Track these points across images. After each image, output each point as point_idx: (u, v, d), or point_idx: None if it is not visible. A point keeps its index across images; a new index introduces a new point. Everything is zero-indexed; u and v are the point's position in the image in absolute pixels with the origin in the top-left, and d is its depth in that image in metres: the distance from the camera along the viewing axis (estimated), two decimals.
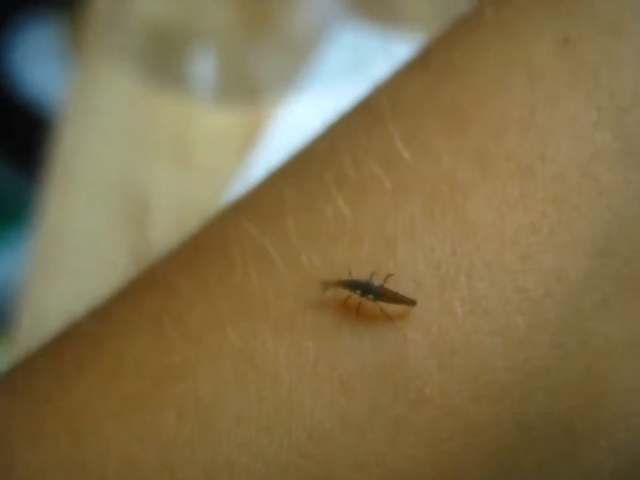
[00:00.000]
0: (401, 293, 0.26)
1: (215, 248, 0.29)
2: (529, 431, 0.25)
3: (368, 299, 0.26)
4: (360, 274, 0.26)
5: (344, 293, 0.26)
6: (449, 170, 0.26)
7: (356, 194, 0.27)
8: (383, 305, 0.26)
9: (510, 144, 0.26)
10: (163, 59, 0.60)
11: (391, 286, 0.26)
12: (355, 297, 0.26)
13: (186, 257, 0.30)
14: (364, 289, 0.26)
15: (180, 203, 0.56)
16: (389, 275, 0.26)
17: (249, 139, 0.57)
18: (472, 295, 0.25)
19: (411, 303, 0.25)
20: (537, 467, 0.26)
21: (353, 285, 0.26)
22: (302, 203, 0.27)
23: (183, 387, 0.27)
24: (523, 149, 0.26)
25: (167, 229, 0.54)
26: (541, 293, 0.25)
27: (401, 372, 0.25)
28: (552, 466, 0.26)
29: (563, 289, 0.25)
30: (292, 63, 0.60)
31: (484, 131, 0.26)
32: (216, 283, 0.28)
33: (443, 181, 0.26)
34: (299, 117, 0.58)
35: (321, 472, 0.25)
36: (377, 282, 0.26)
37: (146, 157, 0.58)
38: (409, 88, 0.28)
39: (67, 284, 0.50)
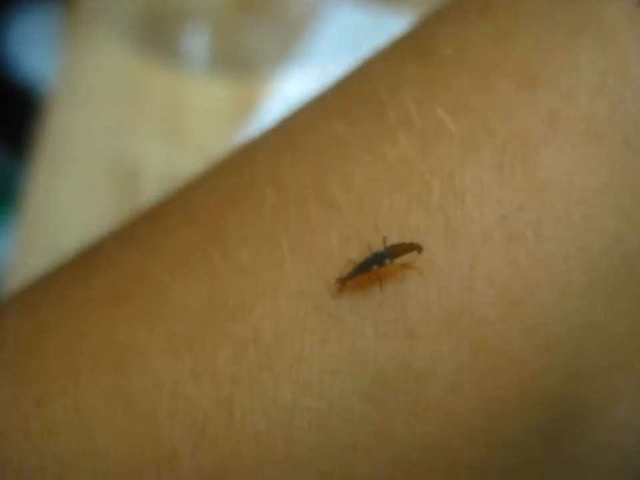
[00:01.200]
0: (403, 241, 0.26)
1: (265, 182, 0.28)
2: (578, 383, 0.26)
3: (386, 265, 0.26)
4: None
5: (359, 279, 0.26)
6: (519, 125, 0.26)
7: (422, 140, 0.27)
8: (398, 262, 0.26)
9: (580, 106, 0.26)
10: (156, 33, 0.59)
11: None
12: (375, 272, 0.26)
13: (229, 191, 0.29)
14: (377, 261, 0.26)
15: (170, 176, 0.55)
16: (385, 238, 0.26)
17: (240, 113, 0.57)
18: (536, 249, 0.26)
19: (417, 247, 0.26)
20: (585, 418, 0.27)
21: (365, 267, 0.26)
22: (363, 144, 0.27)
23: (240, 326, 0.26)
24: (592, 112, 0.26)
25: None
26: (600, 252, 0.26)
27: (465, 320, 0.25)
28: (595, 418, 0.27)
29: (621, 250, 0.26)
30: (285, 39, 0.60)
31: (555, 91, 0.26)
32: (271, 220, 0.27)
33: (514, 136, 0.26)
34: (292, 93, 0.57)
35: (382, 417, 0.25)
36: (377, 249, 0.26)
37: (137, 131, 0.57)
38: (473, 38, 0.28)
39: (55, 259, 0.49)
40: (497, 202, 0.26)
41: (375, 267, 0.26)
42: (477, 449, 0.26)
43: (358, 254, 0.26)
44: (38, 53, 0.69)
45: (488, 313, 0.25)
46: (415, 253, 0.26)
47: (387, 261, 0.26)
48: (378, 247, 0.26)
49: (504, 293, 0.25)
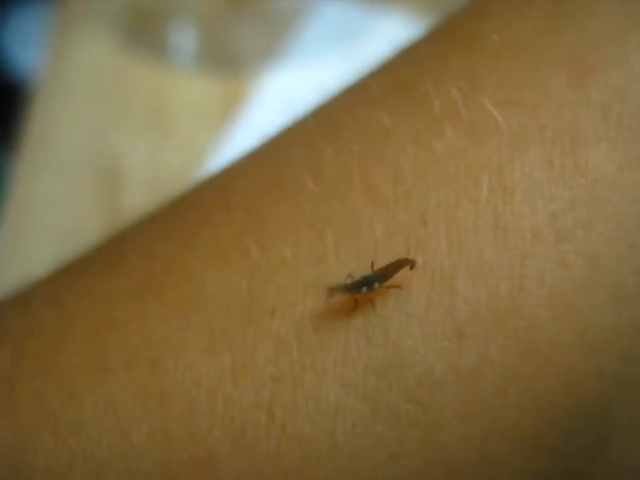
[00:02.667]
0: (395, 260, 0.25)
1: (305, 172, 0.27)
2: (626, 387, 0.26)
3: (375, 289, 0.25)
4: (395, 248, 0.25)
5: (349, 297, 0.25)
6: (570, 120, 0.25)
7: (469, 133, 0.26)
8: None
9: (633, 103, 0.26)
10: (143, 29, 0.59)
11: None
12: (363, 296, 0.25)
13: (266, 180, 0.28)
14: (367, 283, 0.25)
15: (154, 171, 0.54)
16: (373, 262, 0.25)
17: (226, 110, 0.56)
18: (587, 249, 0.25)
19: (406, 263, 0.25)
20: (630, 424, 0.26)
21: (354, 287, 0.25)
22: (409, 135, 0.26)
23: (281, 323, 0.25)
24: None
25: (141, 197, 0.53)
26: None
27: (514, 321, 0.24)
28: None
29: None
30: (272, 35, 0.59)
31: (606, 85, 0.26)
32: (313, 212, 0.26)
33: (564, 131, 0.25)
34: (279, 89, 0.57)
35: (428, 419, 0.24)
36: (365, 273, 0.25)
37: (121, 127, 0.56)
38: (520, 28, 0.27)
39: (38, 253, 0.47)
40: (547, 199, 0.25)
41: (364, 290, 0.25)
42: (523, 455, 0.25)
43: (403, 250, 0.25)
44: (28, 49, 0.67)
45: (538, 313, 0.24)
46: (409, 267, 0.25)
47: (376, 285, 0.25)
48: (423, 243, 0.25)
49: (554, 294, 0.24)
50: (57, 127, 0.57)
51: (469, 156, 0.25)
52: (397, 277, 0.25)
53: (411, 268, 0.25)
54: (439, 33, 0.29)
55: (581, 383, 0.25)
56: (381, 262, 0.25)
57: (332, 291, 0.25)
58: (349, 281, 0.25)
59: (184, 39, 0.59)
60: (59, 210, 0.55)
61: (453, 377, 0.24)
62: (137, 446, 0.24)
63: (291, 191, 0.26)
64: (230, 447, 0.24)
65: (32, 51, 0.67)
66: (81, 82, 0.59)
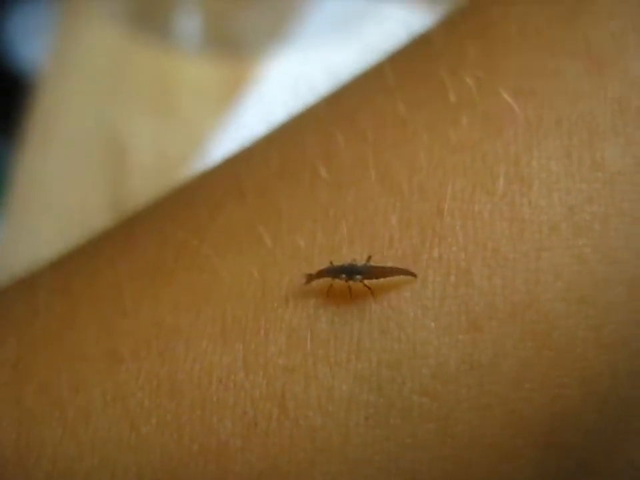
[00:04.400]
0: (396, 266, 0.24)
1: (318, 159, 0.26)
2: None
3: (355, 280, 0.24)
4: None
5: (327, 281, 0.24)
6: (587, 112, 0.25)
7: (485, 123, 0.25)
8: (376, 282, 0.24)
9: None
10: (148, 13, 0.59)
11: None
12: (341, 282, 0.24)
13: (278, 168, 0.27)
14: (348, 272, 0.24)
15: (159, 153, 0.54)
16: (370, 257, 0.25)
17: (230, 93, 0.56)
18: (604, 243, 0.25)
19: (409, 273, 0.24)
20: None
21: (334, 271, 0.24)
22: (425, 124, 0.26)
23: (295, 313, 0.24)
24: None
25: (146, 179, 0.53)
26: None
27: (530, 314, 0.24)
28: None
29: None
30: (277, 21, 0.59)
31: (623, 77, 0.25)
32: (327, 201, 0.25)
33: (581, 123, 0.25)
34: (283, 73, 0.57)
35: (441, 413, 0.24)
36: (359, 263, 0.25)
37: (127, 109, 0.56)
38: (537, 17, 0.27)
39: (43, 234, 0.48)
40: (564, 192, 0.25)
41: (343, 277, 0.24)
42: (537, 449, 0.25)
43: (418, 241, 0.25)
44: (31, 39, 0.67)
45: (554, 307, 0.24)
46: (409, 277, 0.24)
47: (357, 277, 0.24)
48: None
49: (571, 288, 0.24)
50: (63, 110, 0.57)
51: (485, 146, 0.25)
52: (387, 282, 0.24)
53: (414, 276, 0.24)
54: (454, 21, 0.28)
55: (595, 379, 0.25)
56: (396, 254, 0.25)
57: (308, 277, 0.24)
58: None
59: (189, 22, 0.59)
60: (65, 191, 0.55)
61: (467, 370, 0.24)
62: (146, 437, 0.24)
63: (305, 179, 0.26)
64: (242, 438, 0.23)
65: (35, 41, 0.67)
66: (86, 66, 0.59)
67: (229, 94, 0.57)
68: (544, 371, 0.24)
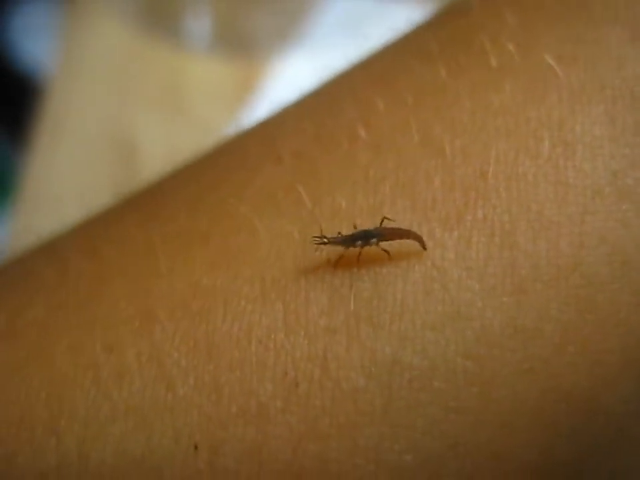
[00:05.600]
0: (403, 228, 0.24)
1: (357, 123, 0.26)
2: None
3: (372, 245, 0.24)
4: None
5: (337, 250, 0.24)
6: (630, 78, 0.25)
7: (528, 88, 0.25)
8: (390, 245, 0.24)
9: None
10: (158, 12, 0.59)
11: None
12: (355, 250, 0.24)
13: (315, 131, 0.27)
14: (363, 237, 0.24)
15: (169, 152, 0.55)
16: (384, 218, 0.24)
17: (240, 92, 0.56)
18: None
19: (419, 240, 0.24)
20: None
21: (349, 240, 0.24)
22: (467, 89, 0.25)
23: (333, 273, 0.24)
24: None
25: (155, 175, 0.54)
26: None
27: (574, 278, 0.24)
28: None
29: None
30: (286, 21, 0.59)
31: None
32: (367, 163, 0.25)
33: (625, 89, 0.25)
34: (293, 73, 0.57)
35: (485, 375, 0.23)
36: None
37: (137, 109, 0.56)
38: None
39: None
40: (608, 156, 0.24)
41: (359, 243, 0.24)
42: (577, 415, 0.24)
43: (462, 203, 0.24)
44: (38, 40, 0.67)
45: (598, 271, 0.24)
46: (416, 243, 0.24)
47: (374, 240, 0.24)
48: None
49: (615, 252, 0.24)
50: (72, 111, 0.57)
51: (529, 111, 0.25)
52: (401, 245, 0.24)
53: (420, 242, 0.24)
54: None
55: (636, 345, 0.24)
56: (440, 216, 0.24)
57: (318, 239, 0.24)
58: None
59: (199, 22, 0.59)
60: (74, 191, 0.54)
61: (511, 333, 0.23)
62: (183, 398, 0.23)
63: (343, 141, 0.25)
64: (282, 400, 0.23)
65: (41, 41, 0.66)
66: (97, 65, 0.59)
67: (239, 94, 0.57)
68: (586, 336, 0.24)
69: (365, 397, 0.23)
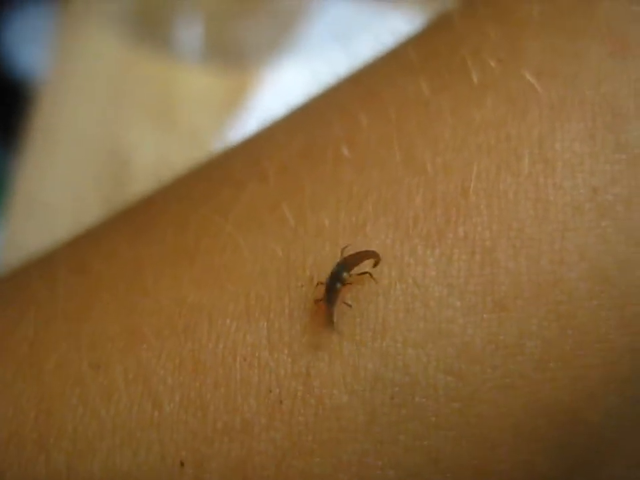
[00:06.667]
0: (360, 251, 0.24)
1: (341, 140, 0.26)
2: None
3: (347, 280, 0.24)
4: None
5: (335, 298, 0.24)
6: (610, 94, 0.25)
7: (509, 104, 0.25)
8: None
9: None
10: (149, 23, 0.59)
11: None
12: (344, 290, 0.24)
13: (300, 148, 0.27)
14: (337, 279, 0.24)
15: (160, 162, 0.54)
16: (346, 247, 0.25)
17: (231, 103, 0.57)
18: (628, 225, 0.25)
19: (375, 256, 0.24)
20: None
21: (332, 288, 0.24)
22: (449, 105, 0.26)
23: (318, 291, 0.24)
24: None
25: (147, 188, 0.54)
26: None
27: (555, 294, 0.24)
28: None
29: None
30: (277, 31, 0.60)
31: None
32: (351, 180, 0.25)
33: (605, 105, 0.25)
34: (284, 83, 0.57)
35: (466, 391, 0.24)
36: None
37: (128, 120, 0.56)
38: (559, 0, 0.27)
39: (41, 243, 0.48)
40: (588, 173, 0.25)
41: (339, 286, 0.24)
42: (560, 429, 0.24)
43: (443, 220, 0.25)
44: (31, 47, 0.67)
45: (578, 287, 0.24)
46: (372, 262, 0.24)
47: (345, 274, 0.24)
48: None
49: (595, 268, 0.24)
50: (63, 120, 0.57)
51: (509, 127, 0.25)
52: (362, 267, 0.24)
53: (375, 265, 0.24)
54: (473, 4, 0.28)
55: (618, 360, 0.25)
56: (421, 233, 0.25)
57: (317, 302, 0.24)
58: (320, 289, 0.24)
59: (190, 33, 0.59)
60: (64, 201, 0.55)
61: (492, 349, 0.24)
62: (170, 415, 0.23)
63: (327, 159, 0.26)
64: (266, 417, 0.23)
65: (34, 49, 0.67)
66: (88, 75, 0.59)
67: (231, 104, 0.57)
68: (567, 351, 0.24)
69: (348, 413, 0.23)
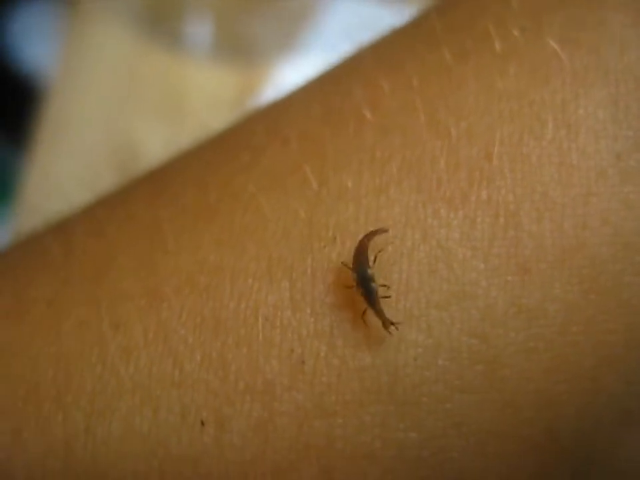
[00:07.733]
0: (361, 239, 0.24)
1: (363, 105, 0.26)
2: None
3: (374, 273, 0.24)
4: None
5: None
6: (634, 62, 0.25)
7: (532, 71, 0.25)
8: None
9: None
10: (159, 19, 0.59)
11: None
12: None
13: (322, 112, 0.27)
14: (366, 278, 0.24)
15: (169, 155, 0.55)
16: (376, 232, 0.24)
17: (241, 99, 0.57)
18: None
19: (372, 235, 0.24)
20: None
21: (372, 297, 0.24)
22: (472, 73, 0.26)
23: (341, 252, 0.24)
24: None
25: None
26: None
27: (577, 259, 0.24)
28: None
29: None
30: (287, 27, 0.60)
31: None
32: (373, 144, 0.25)
33: (628, 72, 0.25)
34: (293, 80, 0.58)
35: (489, 354, 0.23)
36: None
37: (138, 116, 0.56)
38: None
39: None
40: (611, 139, 0.25)
41: (374, 286, 0.24)
42: (581, 395, 0.24)
43: (466, 183, 0.24)
44: (39, 43, 0.67)
45: (601, 252, 0.24)
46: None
47: (370, 271, 0.24)
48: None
49: (618, 233, 0.24)
50: (72, 116, 0.57)
51: (532, 94, 0.25)
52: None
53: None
54: None
55: (639, 326, 0.24)
56: (444, 196, 0.24)
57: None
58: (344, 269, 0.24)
59: (200, 28, 0.59)
60: (74, 197, 0.55)
61: (515, 312, 0.24)
62: (190, 374, 0.23)
63: (349, 123, 0.26)
64: (288, 377, 0.23)
65: (42, 45, 0.67)
66: (97, 71, 0.59)
67: (240, 100, 0.57)
68: (590, 316, 0.24)
69: (371, 374, 0.23)
